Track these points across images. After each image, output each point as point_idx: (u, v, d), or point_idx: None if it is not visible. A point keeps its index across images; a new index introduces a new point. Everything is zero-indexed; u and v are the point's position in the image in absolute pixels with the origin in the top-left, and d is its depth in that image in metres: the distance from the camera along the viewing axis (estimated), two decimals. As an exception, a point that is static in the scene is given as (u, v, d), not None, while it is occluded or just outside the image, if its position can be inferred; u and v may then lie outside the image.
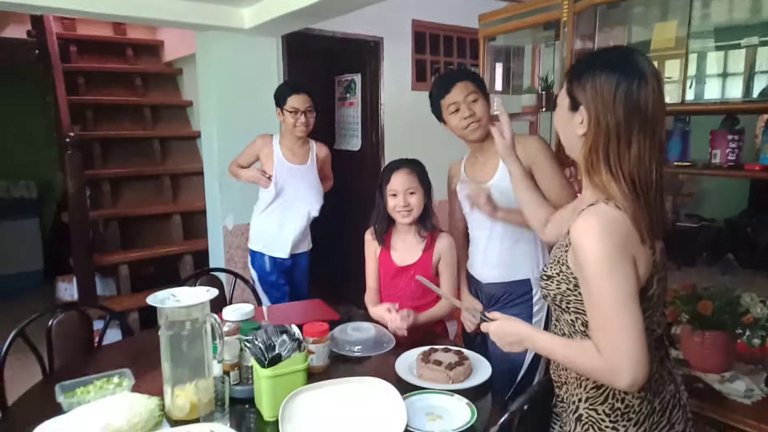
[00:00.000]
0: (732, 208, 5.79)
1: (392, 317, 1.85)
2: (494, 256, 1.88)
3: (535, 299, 1.88)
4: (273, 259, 2.82)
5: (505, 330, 1.26)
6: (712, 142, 1.76)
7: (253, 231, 2.88)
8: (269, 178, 2.72)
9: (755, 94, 1.82)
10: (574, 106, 1.13)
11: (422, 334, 1.91)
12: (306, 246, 2.94)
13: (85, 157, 3.59)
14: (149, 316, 3.39)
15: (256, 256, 2.85)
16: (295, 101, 2.66)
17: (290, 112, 2.66)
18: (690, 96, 1.73)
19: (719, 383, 1.74)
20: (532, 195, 1.55)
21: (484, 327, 1.31)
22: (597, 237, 1.04)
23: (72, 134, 3.35)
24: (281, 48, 3.64)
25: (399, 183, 1.98)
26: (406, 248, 2.07)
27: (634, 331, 1.03)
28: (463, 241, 2.07)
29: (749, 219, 5.66)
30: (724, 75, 1.81)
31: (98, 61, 4.44)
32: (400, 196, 1.97)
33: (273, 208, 2.78)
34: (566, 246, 1.15)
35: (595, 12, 1.88)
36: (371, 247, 2.15)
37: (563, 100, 1.18)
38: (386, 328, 1.89)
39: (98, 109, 4.19)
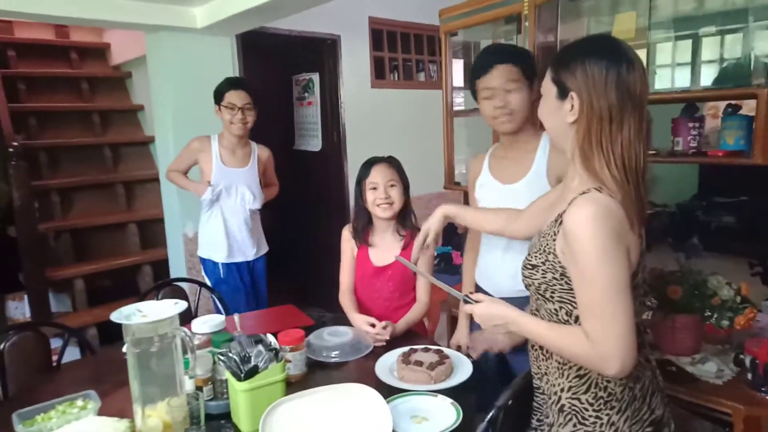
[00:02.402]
0: (683, 194, 6.03)
1: (374, 331, 1.80)
2: (513, 267, 1.64)
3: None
4: (225, 265, 2.76)
5: (492, 312, 1.24)
6: (674, 130, 1.80)
7: (200, 238, 2.83)
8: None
9: (709, 82, 1.88)
10: (563, 94, 1.13)
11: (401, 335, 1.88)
12: (259, 250, 2.87)
13: (31, 167, 3.41)
14: (108, 330, 3.28)
15: (206, 264, 2.80)
16: (233, 97, 2.59)
17: (227, 108, 2.60)
18: (655, 85, 1.76)
19: (691, 365, 1.78)
20: (493, 224, 1.56)
21: (468, 308, 1.29)
22: (594, 225, 1.04)
23: (16, 143, 3.17)
24: (236, 47, 3.55)
25: (379, 175, 1.95)
26: (385, 247, 2.02)
27: (625, 318, 1.04)
28: (476, 243, 1.91)
29: (699, 203, 5.91)
30: (687, 63, 1.85)
31: (40, 66, 4.22)
32: (380, 188, 1.93)
33: (216, 214, 2.72)
34: (554, 234, 1.15)
35: (557, 5, 1.89)
36: (348, 244, 2.09)
37: (549, 89, 1.17)
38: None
39: (43, 116, 3.97)
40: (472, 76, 1.67)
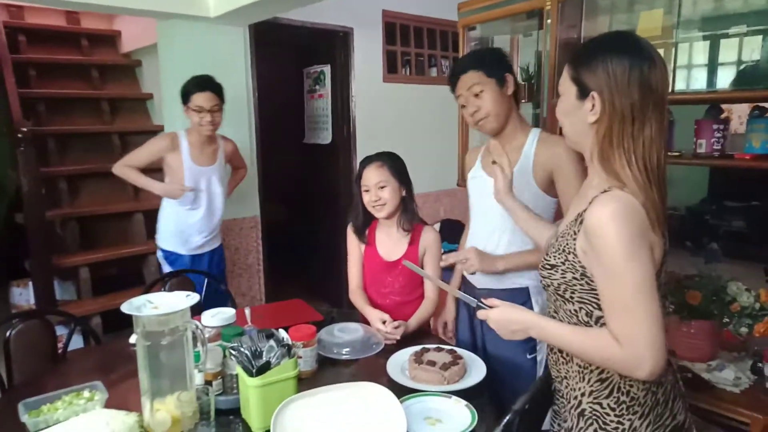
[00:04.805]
0: (693, 197, 5.97)
1: (385, 329, 1.79)
2: (494, 249, 1.78)
3: (537, 309, 1.76)
4: (188, 256, 2.79)
5: (509, 317, 1.21)
6: (697, 132, 1.76)
7: (162, 229, 2.82)
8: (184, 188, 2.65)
9: (736, 81, 1.83)
10: (583, 93, 1.11)
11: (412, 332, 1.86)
12: (217, 242, 2.93)
13: (39, 153, 3.38)
14: (112, 319, 3.26)
15: (167, 255, 2.80)
16: (200, 99, 2.57)
17: (195, 110, 2.59)
18: (679, 86, 1.72)
19: (707, 372, 1.75)
20: (539, 229, 1.48)
21: (482, 314, 1.26)
22: (618, 222, 1.02)
23: (24, 129, 3.14)
24: (248, 38, 3.51)
25: (369, 177, 1.94)
26: (391, 243, 2.01)
27: (655, 318, 1.01)
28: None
29: (709, 207, 5.86)
30: (710, 64, 1.80)
31: (50, 52, 4.17)
32: (372, 190, 1.93)
33: (182, 209, 2.73)
34: (574, 234, 1.12)
35: (581, 0, 1.85)
36: (355, 242, 2.08)
37: (569, 89, 1.14)
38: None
39: (52, 102, 3.93)
40: (451, 89, 1.77)
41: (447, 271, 2.66)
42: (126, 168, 2.69)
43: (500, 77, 1.68)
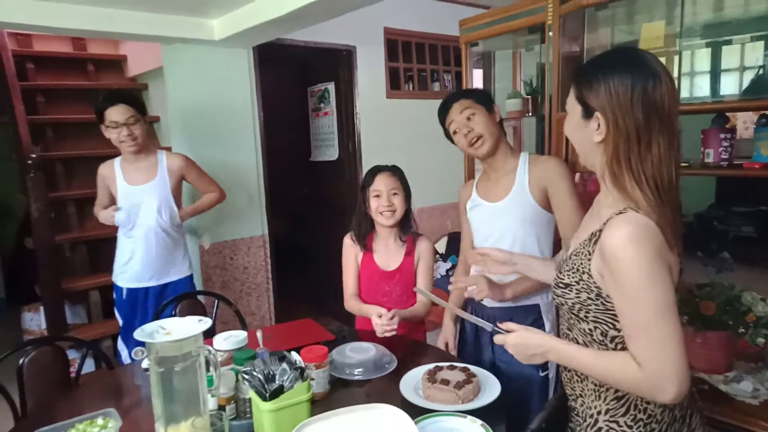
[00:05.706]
0: (700, 203, 5.94)
1: (380, 322, 1.83)
2: (501, 278, 1.79)
3: (548, 327, 1.81)
4: (132, 290, 2.61)
5: (527, 342, 1.19)
6: (704, 141, 1.75)
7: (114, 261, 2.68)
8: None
9: (738, 90, 1.83)
10: (588, 113, 1.10)
11: (405, 342, 1.90)
12: (179, 272, 2.68)
13: (47, 178, 3.41)
14: (124, 342, 3.26)
15: (116, 290, 2.66)
16: (113, 114, 2.40)
17: (111, 127, 2.42)
18: (684, 94, 1.72)
19: (724, 384, 1.73)
20: (543, 273, 1.51)
21: (499, 339, 1.25)
22: (635, 246, 1.00)
23: (34, 155, 3.17)
24: (252, 59, 3.55)
25: (383, 183, 2.01)
26: (389, 253, 2.08)
27: (677, 340, 0.99)
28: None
29: (717, 212, 5.82)
30: (713, 71, 1.81)
31: (58, 78, 4.23)
32: (383, 196, 1.99)
33: (127, 237, 2.58)
34: (589, 254, 1.11)
35: (583, 14, 1.86)
36: (352, 251, 2.14)
37: (574, 109, 1.13)
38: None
39: (59, 127, 3.98)
40: (441, 121, 1.87)
41: (446, 282, 2.64)
42: (97, 208, 2.65)
43: (488, 105, 1.82)
